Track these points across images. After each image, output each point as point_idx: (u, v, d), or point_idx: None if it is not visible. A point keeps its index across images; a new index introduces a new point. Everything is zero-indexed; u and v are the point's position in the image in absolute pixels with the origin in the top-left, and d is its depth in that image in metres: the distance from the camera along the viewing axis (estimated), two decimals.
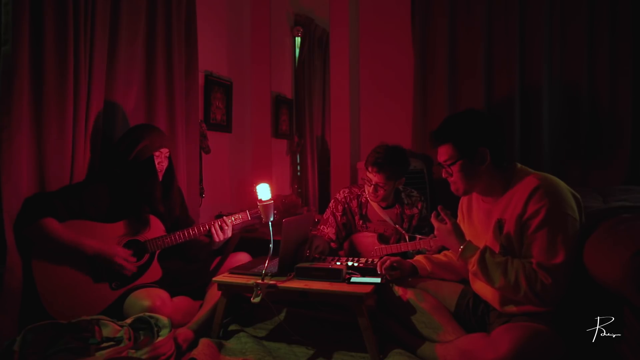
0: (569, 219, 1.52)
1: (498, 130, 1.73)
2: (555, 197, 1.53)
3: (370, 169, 2.31)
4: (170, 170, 2.28)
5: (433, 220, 1.74)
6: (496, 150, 1.66)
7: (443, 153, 1.70)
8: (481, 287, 1.74)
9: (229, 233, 2.26)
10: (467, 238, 1.69)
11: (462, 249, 1.64)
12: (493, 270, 1.56)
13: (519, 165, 1.71)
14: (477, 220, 1.79)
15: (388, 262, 1.90)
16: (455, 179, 1.70)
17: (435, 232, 1.74)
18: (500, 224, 1.64)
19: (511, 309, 1.62)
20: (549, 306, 1.53)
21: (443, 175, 1.75)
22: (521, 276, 1.51)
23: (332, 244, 2.47)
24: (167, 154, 2.23)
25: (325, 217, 2.54)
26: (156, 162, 2.16)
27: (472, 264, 1.60)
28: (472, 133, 1.67)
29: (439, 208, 1.73)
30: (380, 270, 1.90)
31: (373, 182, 2.32)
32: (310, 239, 2.23)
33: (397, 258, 1.94)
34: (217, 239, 2.22)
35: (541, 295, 1.49)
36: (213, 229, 2.20)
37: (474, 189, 1.74)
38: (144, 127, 2.24)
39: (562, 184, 1.59)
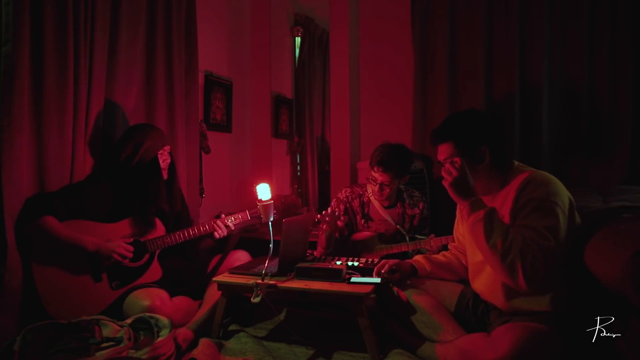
0: (559, 209, 1.51)
1: (498, 130, 1.74)
2: (545, 188, 1.54)
3: (375, 168, 2.31)
4: (172, 166, 2.29)
5: (443, 172, 1.67)
6: (496, 150, 1.67)
7: (443, 151, 1.71)
8: (481, 285, 1.74)
9: (231, 226, 2.28)
10: (467, 236, 1.69)
11: (474, 199, 1.60)
12: (496, 228, 1.52)
13: (516, 163, 1.72)
14: None
15: (387, 266, 1.89)
16: None
17: (447, 182, 1.65)
18: None
19: (513, 304, 1.61)
20: (528, 283, 1.46)
21: (442, 174, 1.75)
22: (516, 245, 1.47)
23: None
24: (169, 150, 2.24)
25: None
26: (160, 161, 2.16)
27: (479, 215, 1.55)
28: (473, 132, 1.68)
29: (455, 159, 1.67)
30: (377, 275, 1.87)
31: (379, 182, 2.32)
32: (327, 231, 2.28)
33: (396, 261, 1.93)
34: (217, 236, 2.24)
35: (527, 269, 1.44)
36: (215, 225, 2.23)
37: None
38: (142, 128, 2.22)
39: (555, 180, 1.59)
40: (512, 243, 1.48)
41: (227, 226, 2.25)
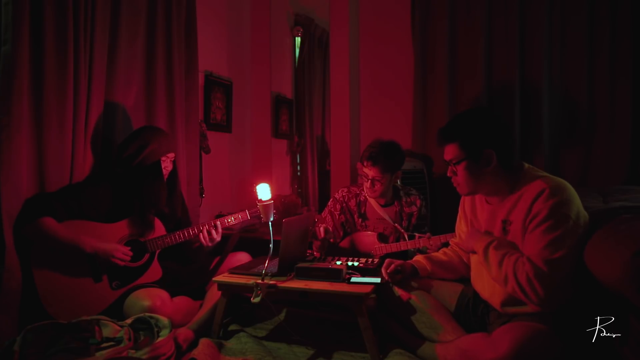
0: (570, 220, 1.50)
1: (507, 131, 1.71)
2: (560, 198, 1.51)
3: (365, 163, 2.33)
4: (174, 173, 2.28)
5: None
6: (503, 153, 1.62)
7: (449, 152, 1.68)
8: (482, 287, 1.74)
9: (218, 237, 2.24)
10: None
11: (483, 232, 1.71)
12: (492, 261, 1.59)
13: (527, 165, 1.67)
14: (482, 219, 1.77)
15: (392, 266, 1.87)
16: (459, 179, 1.68)
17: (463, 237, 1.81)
18: (504, 225, 1.63)
19: (511, 309, 1.61)
20: (541, 303, 1.49)
21: (448, 174, 1.73)
22: (510, 268, 1.52)
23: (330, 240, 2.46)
24: (173, 158, 2.23)
25: (323, 216, 2.54)
26: (162, 166, 2.16)
27: (480, 255, 1.65)
28: (479, 134, 1.64)
29: None
30: (386, 277, 1.86)
31: (369, 177, 2.34)
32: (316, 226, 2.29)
33: (401, 261, 1.92)
34: (205, 244, 2.21)
35: (526, 289, 1.48)
36: (201, 235, 2.19)
37: (478, 190, 1.72)
38: (151, 131, 2.21)
39: (569, 187, 1.56)
40: (507, 269, 1.53)
41: (212, 234, 2.22)
